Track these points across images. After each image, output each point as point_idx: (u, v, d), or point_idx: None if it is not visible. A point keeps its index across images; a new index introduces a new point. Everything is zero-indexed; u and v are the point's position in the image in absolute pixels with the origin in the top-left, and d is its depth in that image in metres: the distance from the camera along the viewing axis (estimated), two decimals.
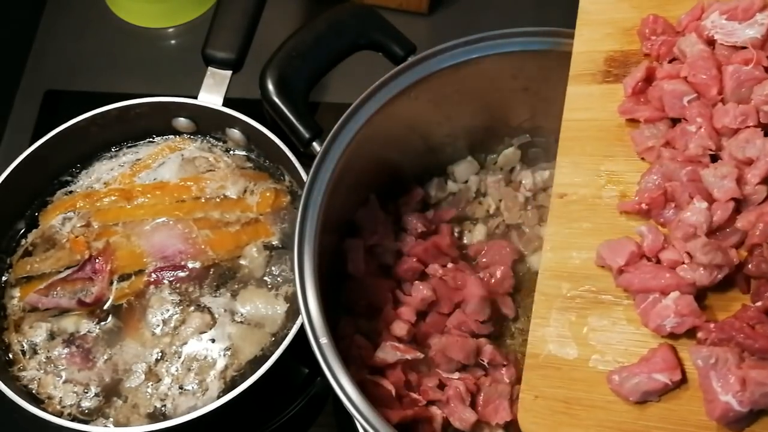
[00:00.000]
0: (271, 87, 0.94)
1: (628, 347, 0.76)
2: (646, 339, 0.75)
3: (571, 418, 0.76)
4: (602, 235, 0.79)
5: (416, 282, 0.95)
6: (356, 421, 0.78)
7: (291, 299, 0.99)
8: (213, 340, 0.97)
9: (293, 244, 0.84)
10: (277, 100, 0.94)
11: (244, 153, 1.11)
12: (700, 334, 0.71)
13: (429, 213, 1.03)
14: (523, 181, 1.05)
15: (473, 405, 0.90)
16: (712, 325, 0.71)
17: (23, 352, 0.97)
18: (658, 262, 0.76)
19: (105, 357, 0.96)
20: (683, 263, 0.74)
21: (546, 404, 0.77)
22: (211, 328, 0.98)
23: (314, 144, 0.93)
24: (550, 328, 0.79)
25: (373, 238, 0.98)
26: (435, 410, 0.89)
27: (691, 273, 0.73)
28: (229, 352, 0.96)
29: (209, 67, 1.07)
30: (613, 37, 0.86)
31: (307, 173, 1.00)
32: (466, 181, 1.07)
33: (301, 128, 0.93)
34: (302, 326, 0.81)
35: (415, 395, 0.89)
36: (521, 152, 1.07)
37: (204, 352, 0.96)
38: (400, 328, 0.93)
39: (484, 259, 1.02)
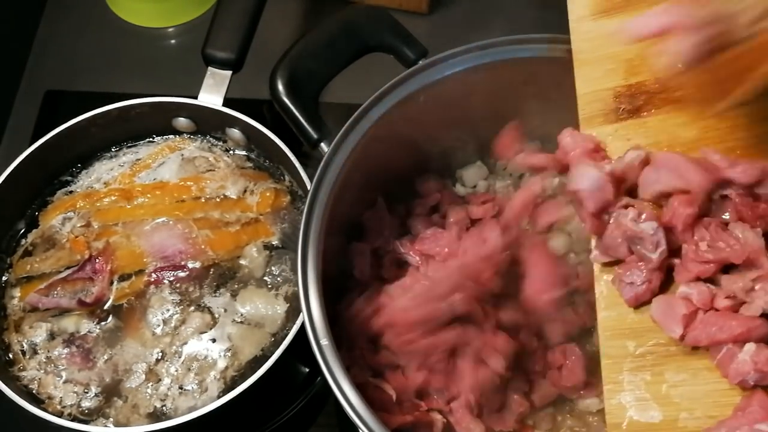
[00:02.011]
0: (281, 86, 0.93)
1: (717, 399, 0.70)
2: (734, 386, 0.69)
3: None
4: None
5: None
6: (354, 424, 0.77)
7: (291, 299, 0.99)
8: (213, 340, 0.97)
9: (297, 246, 0.83)
10: (286, 100, 0.93)
11: (244, 153, 1.10)
12: None
13: (435, 217, 1.01)
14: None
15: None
16: None
17: (23, 352, 0.97)
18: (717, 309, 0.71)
19: (105, 357, 0.96)
20: (744, 302, 0.69)
21: None
22: (211, 328, 0.98)
23: (322, 145, 0.92)
24: (626, 392, 0.73)
25: (378, 241, 0.97)
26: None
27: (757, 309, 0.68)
28: (229, 352, 0.96)
29: (209, 67, 1.07)
30: (616, 72, 0.82)
31: (308, 173, 1.00)
32: (475, 186, 1.06)
33: (309, 129, 0.92)
34: (302, 326, 0.81)
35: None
36: None
37: (204, 352, 0.96)
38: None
39: None
